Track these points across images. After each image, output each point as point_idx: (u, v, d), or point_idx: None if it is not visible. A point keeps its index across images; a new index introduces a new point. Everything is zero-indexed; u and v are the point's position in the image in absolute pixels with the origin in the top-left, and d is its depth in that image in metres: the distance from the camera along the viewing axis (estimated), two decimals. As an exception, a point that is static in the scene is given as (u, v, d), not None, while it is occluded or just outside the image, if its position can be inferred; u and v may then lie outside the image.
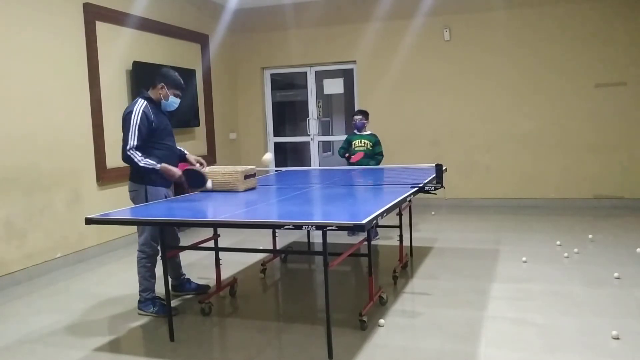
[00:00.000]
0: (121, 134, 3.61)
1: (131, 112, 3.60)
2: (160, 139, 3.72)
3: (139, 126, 3.57)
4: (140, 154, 3.56)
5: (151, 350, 3.19)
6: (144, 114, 3.61)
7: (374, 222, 2.78)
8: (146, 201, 3.67)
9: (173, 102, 3.79)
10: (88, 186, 5.38)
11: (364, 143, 5.75)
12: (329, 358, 2.90)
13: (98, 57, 5.50)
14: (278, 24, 8.12)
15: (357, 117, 5.83)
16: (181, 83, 3.80)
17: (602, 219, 6.20)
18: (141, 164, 3.55)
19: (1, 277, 4.46)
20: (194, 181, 3.75)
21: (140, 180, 3.69)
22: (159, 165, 3.60)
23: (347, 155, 5.80)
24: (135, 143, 3.56)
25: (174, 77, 3.77)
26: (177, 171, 3.68)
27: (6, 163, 4.52)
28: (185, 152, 4.03)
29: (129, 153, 3.55)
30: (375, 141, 5.75)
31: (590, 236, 5.39)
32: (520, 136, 7.23)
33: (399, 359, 2.89)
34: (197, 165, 3.91)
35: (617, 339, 2.98)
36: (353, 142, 5.79)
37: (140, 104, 3.64)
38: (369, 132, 5.82)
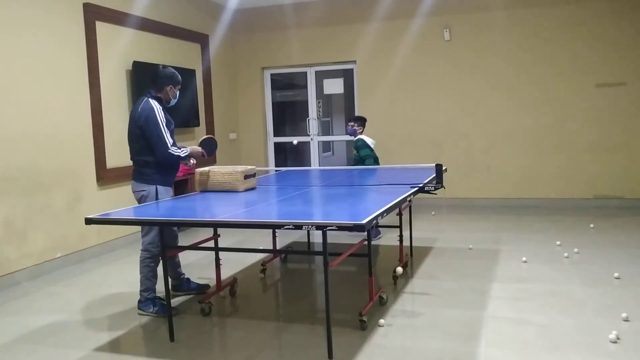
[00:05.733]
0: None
1: (153, 114, 3.63)
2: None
3: (164, 125, 3.65)
4: (176, 148, 3.68)
5: (151, 350, 3.19)
6: (163, 113, 3.70)
7: (375, 221, 2.78)
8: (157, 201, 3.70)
9: (177, 97, 3.92)
10: (88, 186, 5.38)
11: (354, 149, 5.76)
12: (329, 358, 2.90)
13: (98, 57, 5.51)
14: (278, 24, 8.12)
15: (349, 125, 5.80)
16: (179, 77, 3.89)
17: (602, 219, 6.20)
18: (183, 155, 3.71)
19: (1, 277, 4.46)
20: (210, 149, 4.08)
21: (150, 181, 3.71)
22: (188, 151, 3.79)
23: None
24: (171, 140, 3.67)
25: (176, 75, 3.85)
26: (198, 149, 3.94)
27: (6, 163, 4.52)
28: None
29: (170, 151, 3.64)
30: (358, 145, 5.66)
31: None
32: (521, 136, 7.23)
33: (399, 359, 2.90)
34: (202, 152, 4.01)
35: (617, 339, 2.98)
36: None
37: (157, 106, 3.69)
38: (358, 137, 5.72)
